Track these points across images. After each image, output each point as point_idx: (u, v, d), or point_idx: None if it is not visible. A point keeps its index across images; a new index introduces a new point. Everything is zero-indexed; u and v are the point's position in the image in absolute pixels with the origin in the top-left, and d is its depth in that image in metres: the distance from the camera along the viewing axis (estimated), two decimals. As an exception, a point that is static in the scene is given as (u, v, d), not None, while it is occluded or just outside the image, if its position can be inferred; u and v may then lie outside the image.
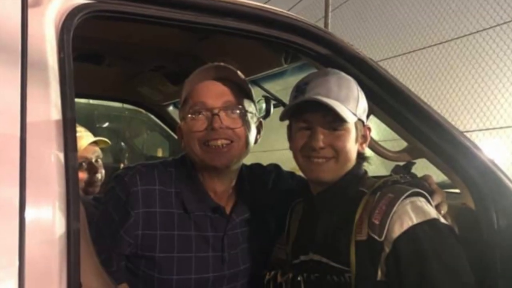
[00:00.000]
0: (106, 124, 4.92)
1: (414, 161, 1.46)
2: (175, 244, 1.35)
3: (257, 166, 1.65)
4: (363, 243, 1.19)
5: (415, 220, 1.14)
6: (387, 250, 1.15)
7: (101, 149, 2.25)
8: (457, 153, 1.40)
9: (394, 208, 1.15)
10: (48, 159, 0.90)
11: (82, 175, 2.09)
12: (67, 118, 0.94)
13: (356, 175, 1.32)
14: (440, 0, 4.93)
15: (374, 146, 1.62)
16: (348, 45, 1.45)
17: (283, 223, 1.53)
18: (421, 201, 1.19)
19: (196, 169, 1.42)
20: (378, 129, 1.57)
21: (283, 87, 2.06)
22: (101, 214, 1.38)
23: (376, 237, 1.16)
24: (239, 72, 1.39)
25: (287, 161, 1.56)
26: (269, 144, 2.68)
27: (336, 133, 1.26)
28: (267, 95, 2.08)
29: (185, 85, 1.39)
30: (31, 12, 0.91)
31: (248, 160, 1.50)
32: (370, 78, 1.43)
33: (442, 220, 1.19)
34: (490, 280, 1.32)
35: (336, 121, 1.25)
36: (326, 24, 5.81)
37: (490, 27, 4.42)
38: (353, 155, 1.30)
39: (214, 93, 1.36)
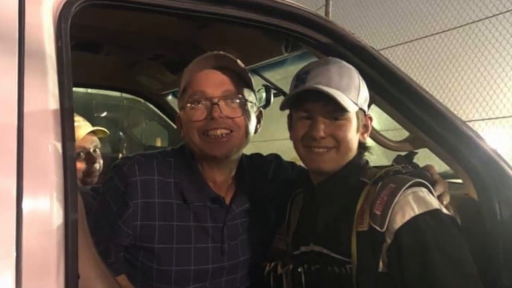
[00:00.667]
0: (104, 114, 4.90)
1: (416, 151, 1.46)
2: (174, 235, 1.34)
3: (257, 156, 1.64)
4: (364, 233, 1.18)
5: (417, 211, 1.13)
6: (388, 241, 1.14)
7: (100, 139, 2.25)
8: (459, 143, 1.39)
9: (396, 199, 1.14)
10: (45, 149, 0.88)
11: (80, 165, 2.09)
12: (65, 107, 0.92)
13: (357, 165, 1.31)
14: (442, -12, 4.90)
15: (376, 136, 1.61)
16: (349, 34, 1.44)
17: (283, 213, 1.53)
18: (423, 192, 1.18)
19: (195, 159, 1.41)
20: (379, 119, 1.56)
21: (283, 76, 2.05)
22: (100, 205, 1.38)
23: (377, 227, 1.15)
24: (239, 61, 1.38)
25: (288, 151, 1.55)
26: (269, 133, 2.67)
27: (337, 123, 1.25)
28: (267, 84, 2.07)
29: (184, 74, 1.37)
30: (28, 0, 0.90)
31: (248, 150, 1.49)
32: (371, 67, 1.42)
33: (444, 210, 1.18)
34: (493, 270, 1.32)
35: (337, 111, 1.23)
36: (327, 13, 5.77)
37: (493, 16, 4.39)
38: (354, 145, 1.29)
39: (214, 82, 1.35)
